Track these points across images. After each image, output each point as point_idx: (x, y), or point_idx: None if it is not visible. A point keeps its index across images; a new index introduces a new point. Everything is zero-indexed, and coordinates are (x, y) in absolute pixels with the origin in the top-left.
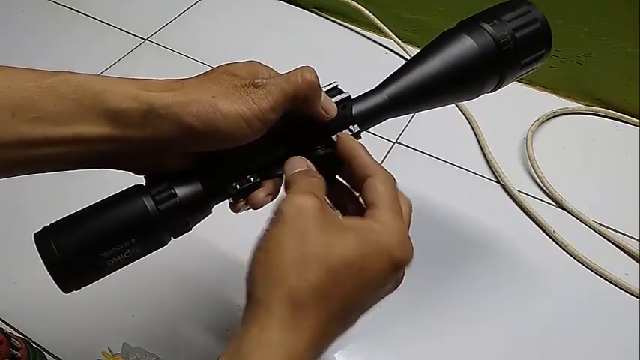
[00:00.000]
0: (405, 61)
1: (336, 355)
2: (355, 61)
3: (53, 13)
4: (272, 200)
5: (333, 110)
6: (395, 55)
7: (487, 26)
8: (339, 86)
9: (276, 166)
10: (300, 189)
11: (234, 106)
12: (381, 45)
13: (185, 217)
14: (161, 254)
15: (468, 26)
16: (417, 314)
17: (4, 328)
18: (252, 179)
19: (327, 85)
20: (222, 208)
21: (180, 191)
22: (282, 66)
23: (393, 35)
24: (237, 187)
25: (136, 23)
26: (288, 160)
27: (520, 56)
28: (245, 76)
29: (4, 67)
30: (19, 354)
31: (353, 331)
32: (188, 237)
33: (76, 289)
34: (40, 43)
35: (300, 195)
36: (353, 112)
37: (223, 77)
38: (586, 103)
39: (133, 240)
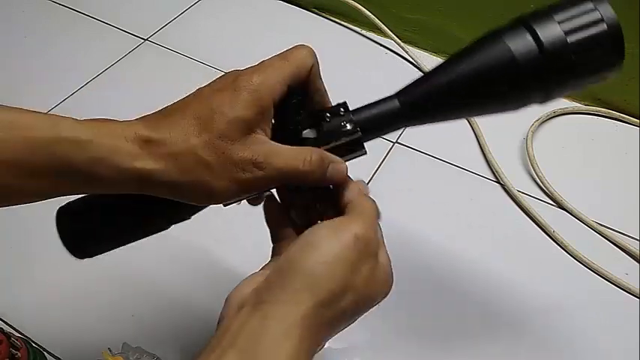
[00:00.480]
0: (405, 62)
1: (336, 355)
2: (355, 61)
3: (53, 13)
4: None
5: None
6: (395, 55)
7: (531, 25)
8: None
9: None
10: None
11: (227, 183)
12: (381, 45)
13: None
14: (161, 254)
15: (512, 25)
16: (416, 315)
17: (4, 328)
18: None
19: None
20: (220, 212)
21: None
22: None
23: (393, 35)
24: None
25: (136, 23)
26: (352, 184)
27: (573, 67)
28: (228, 87)
29: (13, 109)
30: (19, 354)
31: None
32: (188, 237)
33: (89, 256)
34: (40, 43)
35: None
36: (355, 117)
37: (207, 112)
38: (586, 103)
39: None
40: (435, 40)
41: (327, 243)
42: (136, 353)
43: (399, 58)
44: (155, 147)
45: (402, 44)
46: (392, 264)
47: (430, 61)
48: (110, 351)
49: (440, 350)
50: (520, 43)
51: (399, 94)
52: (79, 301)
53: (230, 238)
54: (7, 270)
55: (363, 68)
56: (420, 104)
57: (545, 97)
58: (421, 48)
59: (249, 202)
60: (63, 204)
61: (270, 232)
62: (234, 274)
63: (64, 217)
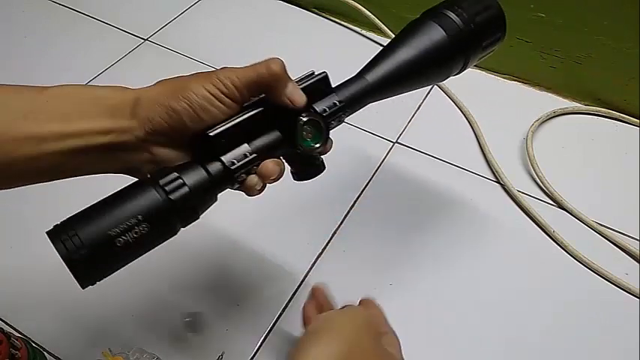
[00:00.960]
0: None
1: None
2: (355, 61)
3: (53, 13)
4: (280, 174)
5: (300, 100)
6: None
7: (450, 13)
8: (315, 72)
9: (272, 152)
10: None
11: (201, 84)
12: (381, 45)
13: (193, 204)
14: (161, 254)
15: (434, 15)
16: (417, 313)
17: (4, 328)
18: (249, 154)
19: (303, 74)
20: (221, 213)
21: (188, 179)
22: None
23: (393, 35)
24: (236, 162)
25: (136, 23)
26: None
27: (481, 38)
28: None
29: (20, 86)
30: (19, 354)
31: None
32: (188, 237)
33: (92, 283)
34: (40, 43)
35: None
36: (343, 101)
37: (200, 73)
38: (586, 103)
39: (144, 225)
40: None
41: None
42: (136, 353)
43: None
44: (144, 88)
45: None
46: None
47: None
48: (110, 351)
49: (440, 350)
50: (447, 25)
51: (365, 73)
52: (79, 301)
53: (230, 239)
54: (7, 270)
55: None
56: (385, 84)
57: (463, 66)
58: None
59: (246, 191)
60: (53, 227)
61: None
62: (235, 274)
63: (63, 236)
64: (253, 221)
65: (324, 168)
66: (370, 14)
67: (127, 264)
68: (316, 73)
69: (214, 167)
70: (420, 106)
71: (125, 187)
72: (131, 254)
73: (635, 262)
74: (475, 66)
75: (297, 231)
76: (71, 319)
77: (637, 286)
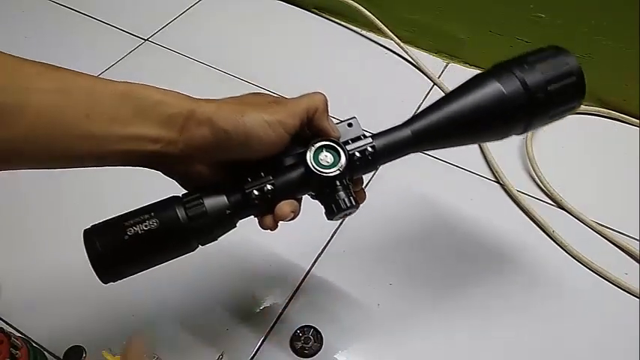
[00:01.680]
0: (405, 62)
1: (337, 355)
2: (355, 61)
3: (53, 14)
4: (294, 217)
5: (336, 134)
6: (394, 55)
7: (519, 74)
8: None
9: (293, 189)
10: None
11: (259, 114)
12: (381, 45)
13: (212, 228)
14: None
15: (500, 71)
16: (417, 313)
17: (5, 328)
18: (269, 187)
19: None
20: None
21: (209, 204)
22: (283, 66)
23: (393, 35)
24: (255, 192)
25: (136, 23)
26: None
27: (550, 108)
28: (270, 99)
29: (80, 74)
30: (19, 353)
31: (352, 332)
32: None
33: (113, 281)
34: (40, 43)
35: None
36: (376, 146)
37: (250, 97)
38: (586, 103)
39: (161, 238)
40: (434, 40)
41: None
42: None
43: (399, 58)
44: (201, 100)
45: (401, 44)
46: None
47: (429, 61)
48: (110, 351)
49: (440, 349)
50: (510, 87)
51: (409, 124)
52: (80, 301)
53: (230, 239)
54: (8, 270)
55: (362, 68)
56: (429, 136)
57: (524, 130)
58: (421, 48)
59: (278, 219)
60: (88, 227)
61: None
62: (235, 274)
63: (93, 240)
64: (253, 221)
65: (355, 206)
66: (370, 14)
67: (142, 264)
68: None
69: (236, 197)
70: (419, 106)
71: (154, 203)
72: (142, 250)
73: (635, 262)
74: (475, 66)
75: (297, 231)
76: (72, 319)
77: (637, 286)
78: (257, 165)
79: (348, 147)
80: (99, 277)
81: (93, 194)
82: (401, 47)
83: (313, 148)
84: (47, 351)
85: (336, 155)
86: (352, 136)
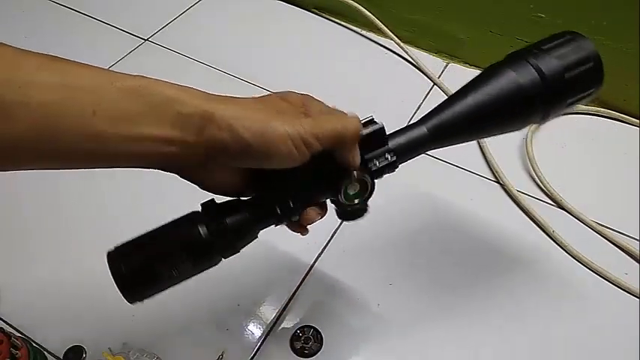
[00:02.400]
0: (405, 62)
1: (337, 355)
2: (355, 62)
3: (53, 14)
4: (322, 217)
5: (358, 163)
6: (394, 55)
7: (534, 62)
8: (374, 119)
9: (314, 197)
10: None
11: (284, 126)
12: (381, 45)
13: (234, 242)
14: None
15: (514, 61)
16: (417, 313)
17: (5, 328)
18: (292, 204)
19: (364, 119)
20: None
21: (231, 220)
22: (283, 66)
23: (393, 35)
24: (279, 210)
25: (136, 23)
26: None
27: (568, 95)
28: (298, 105)
29: (83, 65)
30: (19, 353)
31: (352, 332)
32: None
33: (140, 301)
34: (40, 43)
35: None
36: (390, 144)
37: (277, 101)
38: (586, 103)
39: (184, 257)
40: (434, 40)
41: None
42: (136, 353)
43: (399, 58)
44: (219, 99)
45: (401, 44)
46: (391, 264)
47: (430, 61)
48: (110, 351)
49: (439, 349)
50: (526, 76)
51: (425, 122)
52: (80, 301)
53: None
54: (8, 270)
55: (362, 68)
56: (446, 132)
57: (542, 119)
58: (421, 48)
59: (291, 228)
60: (112, 249)
61: None
62: (235, 274)
63: (118, 259)
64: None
65: (367, 211)
66: (370, 14)
67: (171, 287)
68: (376, 122)
69: (259, 212)
70: (419, 106)
71: (175, 221)
72: (174, 282)
73: (635, 262)
74: (475, 66)
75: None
76: (72, 319)
77: (637, 286)
78: (281, 172)
79: (367, 156)
80: (128, 300)
81: (92, 193)
82: (401, 47)
83: (343, 188)
84: (47, 351)
85: (363, 185)
86: (373, 142)
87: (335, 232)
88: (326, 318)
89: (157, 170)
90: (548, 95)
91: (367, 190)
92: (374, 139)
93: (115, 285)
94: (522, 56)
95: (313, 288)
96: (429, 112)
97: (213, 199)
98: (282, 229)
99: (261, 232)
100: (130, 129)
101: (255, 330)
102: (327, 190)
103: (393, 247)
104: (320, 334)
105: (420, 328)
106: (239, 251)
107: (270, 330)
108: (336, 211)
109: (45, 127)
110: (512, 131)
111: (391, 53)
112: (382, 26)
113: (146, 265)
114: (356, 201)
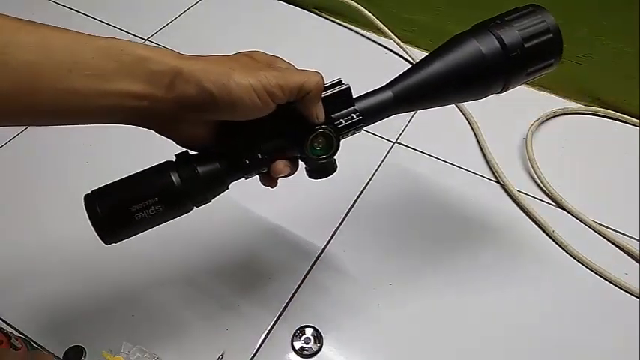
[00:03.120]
0: (405, 62)
1: (337, 355)
2: (355, 61)
3: (53, 13)
4: (291, 172)
5: (322, 117)
6: (394, 55)
7: (496, 32)
8: (342, 80)
9: (282, 150)
10: None
11: (247, 78)
12: (381, 45)
13: (204, 190)
14: (162, 253)
15: (478, 30)
16: (416, 313)
17: (5, 328)
18: (260, 156)
19: (331, 81)
20: (224, 215)
21: (202, 169)
22: None
23: (393, 35)
24: (247, 161)
25: (136, 24)
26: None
27: (527, 65)
28: (263, 61)
29: (59, 29)
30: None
31: (352, 332)
32: (189, 237)
33: (115, 242)
34: None
35: None
36: (357, 105)
37: (243, 58)
38: (586, 103)
39: (157, 201)
40: (434, 40)
41: None
42: (136, 353)
43: (399, 58)
44: (188, 57)
45: (401, 44)
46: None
47: None
48: (110, 351)
49: (439, 350)
50: (488, 44)
51: (391, 86)
52: (80, 301)
53: (230, 239)
54: (8, 270)
55: (362, 68)
56: (410, 96)
57: (503, 89)
58: (421, 48)
59: (262, 182)
60: (89, 192)
61: None
62: (235, 274)
63: (94, 200)
64: (252, 221)
65: (335, 169)
66: (370, 14)
67: (143, 231)
68: (342, 83)
69: (229, 162)
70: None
71: (150, 168)
72: (147, 225)
73: (634, 262)
74: None
75: (297, 231)
76: (71, 319)
77: (637, 286)
78: (250, 125)
79: (334, 116)
80: (103, 241)
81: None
82: (401, 47)
83: (308, 141)
84: (47, 351)
85: (328, 140)
86: (339, 103)
87: (335, 232)
88: (326, 318)
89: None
90: (508, 64)
91: (333, 147)
92: (340, 99)
93: (92, 227)
94: (485, 26)
95: (313, 288)
96: (396, 78)
97: (187, 151)
98: (283, 229)
99: (260, 232)
100: (105, 85)
101: (255, 330)
102: (294, 144)
103: (393, 247)
104: (320, 334)
105: (420, 328)
106: (210, 201)
107: (270, 330)
108: (306, 169)
109: (24, 85)
110: (475, 99)
111: (391, 53)
112: (382, 26)
113: (120, 206)
114: (322, 157)
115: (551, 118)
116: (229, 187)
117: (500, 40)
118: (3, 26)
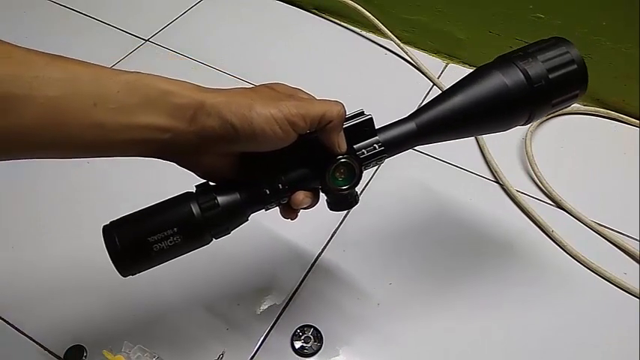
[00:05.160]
0: (405, 62)
1: (337, 355)
2: (355, 62)
3: (54, 14)
4: (312, 203)
5: (344, 147)
6: (394, 55)
7: (520, 64)
8: (364, 111)
9: (303, 181)
10: None
11: (268, 109)
12: (381, 46)
13: (224, 222)
14: None
15: (502, 63)
16: (417, 313)
17: (4, 328)
18: (281, 186)
19: (353, 112)
20: None
21: (222, 199)
22: (282, 66)
23: (393, 36)
24: (267, 191)
25: (137, 24)
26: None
27: (552, 96)
28: (285, 92)
29: (86, 63)
30: None
31: (352, 332)
32: None
33: (132, 274)
34: (40, 44)
35: None
36: (379, 136)
37: (264, 89)
38: (585, 103)
39: (176, 233)
40: (434, 40)
41: None
42: (137, 352)
43: (399, 58)
44: (210, 90)
45: (401, 45)
46: (391, 263)
47: (429, 61)
48: (111, 350)
49: (438, 349)
50: (512, 77)
51: (414, 117)
52: (81, 301)
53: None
54: (8, 270)
55: (362, 69)
56: (433, 129)
57: (528, 120)
58: (420, 49)
59: (282, 213)
60: (107, 224)
61: None
62: (235, 274)
63: (112, 232)
64: (252, 221)
65: (357, 201)
66: (370, 15)
67: (160, 264)
68: (365, 114)
69: (249, 193)
70: (419, 106)
71: (169, 199)
72: (165, 257)
73: (634, 262)
74: (474, 66)
75: (297, 231)
76: (72, 318)
77: (636, 286)
78: (271, 157)
79: (356, 146)
80: (120, 274)
81: (94, 193)
82: (401, 47)
83: (330, 171)
84: (47, 350)
85: (350, 170)
86: (361, 134)
87: (335, 232)
88: (326, 318)
89: (157, 161)
90: (532, 95)
91: (354, 177)
92: (363, 130)
93: (110, 260)
94: (510, 59)
95: (313, 288)
96: (419, 109)
97: (207, 182)
98: (283, 230)
99: (260, 232)
100: (129, 119)
101: (255, 330)
102: (315, 174)
103: (393, 247)
104: (320, 333)
105: (420, 327)
106: (229, 232)
107: (270, 330)
108: (327, 202)
109: (50, 120)
110: (499, 131)
111: (391, 53)
112: (382, 27)
113: (139, 239)
114: (344, 187)
115: (550, 118)
116: (249, 218)
117: (524, 72)
118: (32, 61)
